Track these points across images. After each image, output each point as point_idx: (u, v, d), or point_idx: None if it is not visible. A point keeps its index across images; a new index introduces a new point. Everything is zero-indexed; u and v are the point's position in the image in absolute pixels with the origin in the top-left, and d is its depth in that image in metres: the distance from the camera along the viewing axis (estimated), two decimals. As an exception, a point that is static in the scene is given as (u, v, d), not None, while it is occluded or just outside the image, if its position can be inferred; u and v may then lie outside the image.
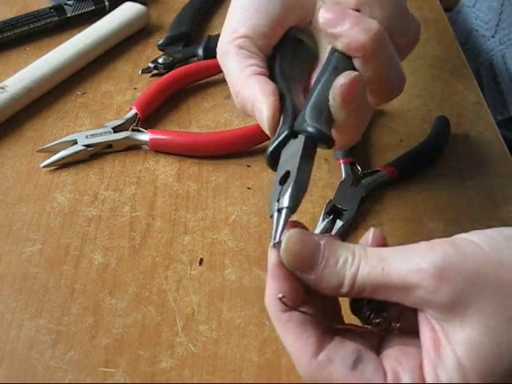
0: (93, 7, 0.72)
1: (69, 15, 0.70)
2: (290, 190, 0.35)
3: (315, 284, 0.34)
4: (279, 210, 0.35)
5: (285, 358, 0.41)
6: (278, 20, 0.42)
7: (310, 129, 0.38)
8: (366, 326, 0.35)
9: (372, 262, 0.34)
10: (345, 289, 0.34)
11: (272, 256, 0.35)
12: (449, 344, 0.32)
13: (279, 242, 0.34)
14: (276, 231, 0.35)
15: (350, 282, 0.33)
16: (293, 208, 0.35)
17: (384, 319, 0.34)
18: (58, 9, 0.70)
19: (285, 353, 0.41)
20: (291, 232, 0.34)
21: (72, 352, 0.42)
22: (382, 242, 0.36)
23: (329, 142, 0.39)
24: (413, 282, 0.32)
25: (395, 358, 0.34)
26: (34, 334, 0.43)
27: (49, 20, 0.70)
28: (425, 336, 0.33)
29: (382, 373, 0.33)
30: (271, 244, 0.35)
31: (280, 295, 0.34)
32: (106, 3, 0.72)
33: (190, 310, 0.44)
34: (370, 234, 0.36)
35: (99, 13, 0.71)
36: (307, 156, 0.38)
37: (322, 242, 0.34)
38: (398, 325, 0.34)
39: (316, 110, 0.39)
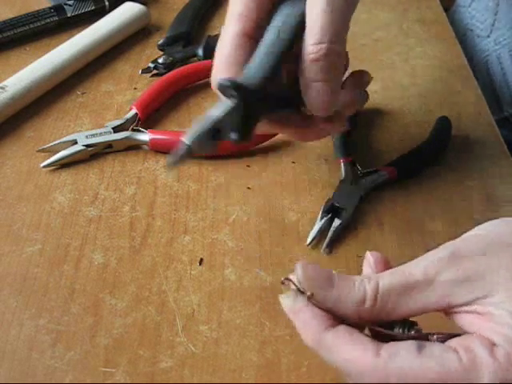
0: (93, 7, 0.72)
1: (69, 15, 0.70)
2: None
3: (336, 305, 0.33)
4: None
5: (285, 357, 0.41)
6: None
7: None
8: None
9: (389, 272, 0.34)
10: (368, 303, 0.33)
11: (288, 306, 0.34)
12: (494, 308, 0.32)
13: (287, 279, 0.34)
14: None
15: (373, 294, 0.33)
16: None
17: (418, 330, 0.33)
18: (58, 9, 0.70)
19: (285, 353, 0.42)
20: (300, 263, 0.34)
21: (72, 352, 0.42)
22: (386, 262, 0.36)
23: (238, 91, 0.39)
24: (434, 271, 0.33)
25: (455, 339, 0.33)
26: (34, 333, 0.43)
27: (49, 20, 0.69)
28: (467, 320, 0.33)
29: (451, 350, 0.32)
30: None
31: (323, 314, 0.33)
32: (106, 3, 0.72)
33: (190, 310, 0.44)
34: (370, 259, 0.36)
35: (99, 13, 0.71)
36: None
37: (332, 270, 0.35)
38: (434, 336, 0.33)
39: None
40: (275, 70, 0.41)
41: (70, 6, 0.71)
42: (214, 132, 0.39)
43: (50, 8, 0.70)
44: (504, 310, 0.32)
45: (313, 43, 0.41)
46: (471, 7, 0.78)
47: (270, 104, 0.42)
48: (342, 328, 0.33)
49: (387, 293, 0.33)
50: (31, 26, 0.69)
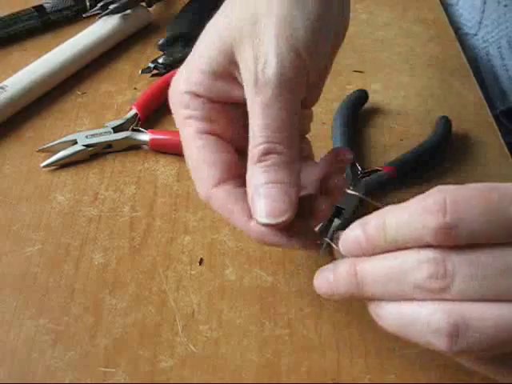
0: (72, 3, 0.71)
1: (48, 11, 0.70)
2: None
3: None
4: None
5: (285, 357, 0.41)
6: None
7: None
8: None
9: None
10: None
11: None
12: None
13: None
14: None
15: None
16: None
17: None
18: (40, 10, 0.70)
19: (285, 353, 0.42)
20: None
21: (72, 352, 0.42)
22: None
23: None
24: None
25: None
26: (33, 334, 0.43)
27: (35, 20, 0.69)
28: None
29: None
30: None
31: None
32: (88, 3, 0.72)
33: (190, 310, 0.44)
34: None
35: (83, 10, 0.71)
36: None
37: None
38: None
39: None
40: None
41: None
42: None
43: (38, 6, 0.70)
44: None
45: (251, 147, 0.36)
46: (458, 5, 0.78)
47: None
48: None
49: None
50: (28, 23, 0.69)
